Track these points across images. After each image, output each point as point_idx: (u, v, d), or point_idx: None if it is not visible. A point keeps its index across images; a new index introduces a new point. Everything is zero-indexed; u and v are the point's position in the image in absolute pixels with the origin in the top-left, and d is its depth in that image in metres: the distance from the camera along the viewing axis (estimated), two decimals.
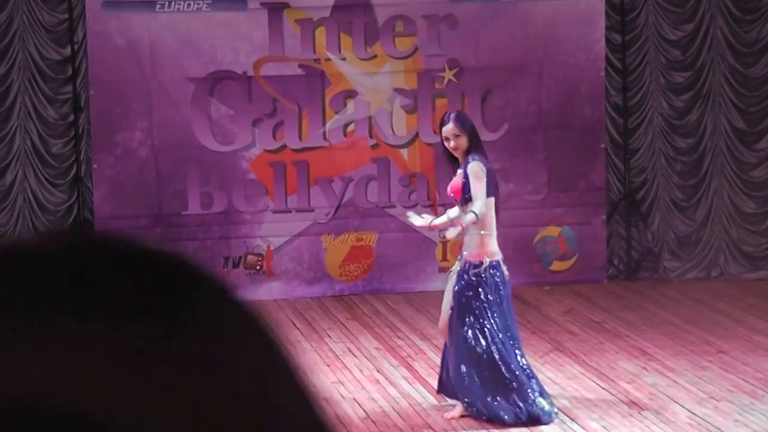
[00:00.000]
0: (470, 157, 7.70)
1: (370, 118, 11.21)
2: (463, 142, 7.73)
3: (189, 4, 10.86)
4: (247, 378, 0.66)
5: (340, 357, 9.41)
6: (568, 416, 7.96)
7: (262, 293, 11.16)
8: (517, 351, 7.81)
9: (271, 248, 11.18)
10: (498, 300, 7.74)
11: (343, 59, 11.12)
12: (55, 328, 0.64)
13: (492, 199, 7.75)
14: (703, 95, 11.55)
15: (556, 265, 11.47)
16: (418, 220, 8.02)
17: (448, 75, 11.23)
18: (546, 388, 8.51)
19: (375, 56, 11.16)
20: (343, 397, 8.49)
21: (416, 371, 9.02)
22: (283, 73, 11.04)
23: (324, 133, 11.17)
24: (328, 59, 11.10)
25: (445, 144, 7.82)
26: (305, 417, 0.68)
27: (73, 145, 10.89)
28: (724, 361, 9.04)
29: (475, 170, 7.65)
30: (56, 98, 10.86)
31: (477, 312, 7.73)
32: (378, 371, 9.03)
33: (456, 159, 7.82)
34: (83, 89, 10.86)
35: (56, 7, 10.78)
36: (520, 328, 9.97)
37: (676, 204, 11.63)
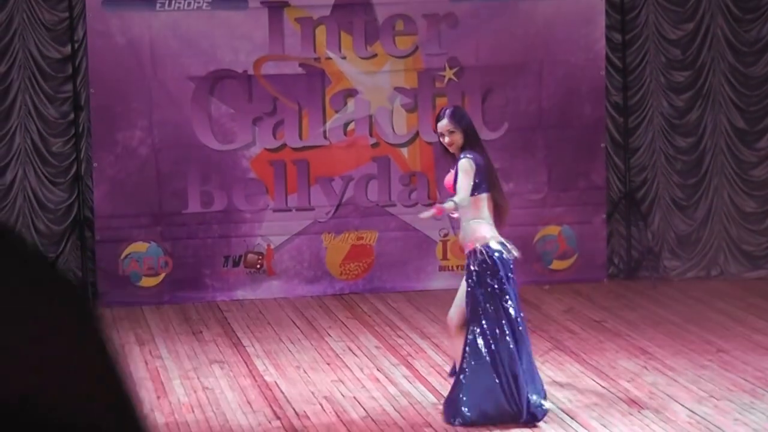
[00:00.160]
0: (463, 154, 7.73)
1: (370, 116, 11.21)
2: (458, 138, 7.74)
3: (189, 3, 10.87)
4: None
5: (341, 356, 9.41)
6: (567, 415, 7.96)
7: (262, 292, 11.16)
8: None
9: (272, 247, 11.18)
10: (500, 284, 7.69)
11: (344, 58, 11.12)
12: None
13: (485, 195, 7.73)
14: (704, 94, 11.56)
15: (556, 264, 11.47)
16: (427, 213, 8.03)
17: (449, 74, 11.23)
18: (545, 386, 8.53)
19: (375, 55, 11.16)
20: (343, 395, 8.49)
21: (416, 370, 9.02)
22: (283, 71, 11.04)
23: (324, 131, 11.17)
24: (329, 58, 11.11)
25: (441, 140, 7.85)
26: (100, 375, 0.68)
27: (74, 144, 10.89)
28: (724, 360, 9.04)
29: (464, 166, 7.68)
30: (56, 97, 10.86)
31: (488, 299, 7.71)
32: (378, 370, 9.04)
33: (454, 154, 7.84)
34: (83, 88, 10.86)
35: (56, 5, 10.78)
36: None
37: (676, 203, 11.63)
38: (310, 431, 7.83)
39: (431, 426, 7.84)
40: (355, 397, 8.43)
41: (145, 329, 10.26)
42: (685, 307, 10.59)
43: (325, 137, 11.17)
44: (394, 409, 8.20)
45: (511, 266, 7.78)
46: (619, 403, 8.19)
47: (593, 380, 8.67)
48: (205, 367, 9.19)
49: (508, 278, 7.75)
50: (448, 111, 7.87)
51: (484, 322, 7.68)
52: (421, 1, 11.13)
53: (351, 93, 11.16)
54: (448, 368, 8.42)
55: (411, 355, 9.38)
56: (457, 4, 11.13)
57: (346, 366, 9.15)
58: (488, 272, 7.71)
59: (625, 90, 11.50)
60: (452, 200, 7.69)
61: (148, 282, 11.03)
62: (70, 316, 0.73)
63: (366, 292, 11.19)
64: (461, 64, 11.21)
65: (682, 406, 8.09)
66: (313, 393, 8.55)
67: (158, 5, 10.82)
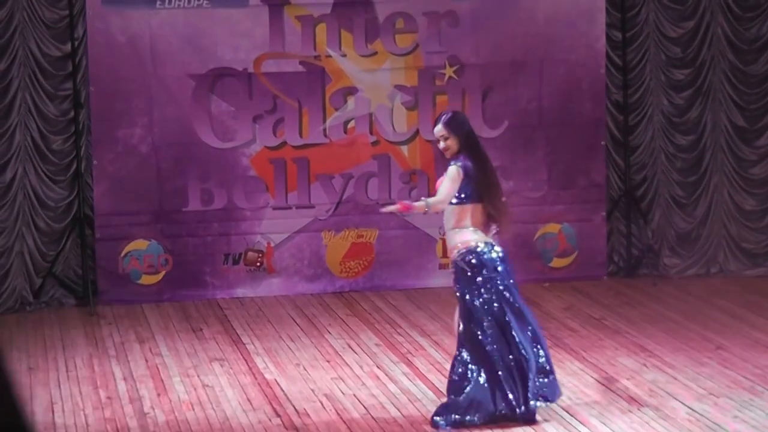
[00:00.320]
0: (453, 161, 7.70)
1: (370, 114, 11.22)
2: (452, 144, 7.72)
3: (190, 1, 10.88)
4: None
5: (341, 353, 9.42)
6: (567, 412, 7.97)
7: (262, 290, 11.17)
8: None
9: (272, 245, 11.19)
10: (489, 283, 7.67)
11: (344, 56, 11.13)
12: None
13: (470, 205, 7.66)
14: (704, 92, 11.56)
15: (556, 262, 11.48)
16: (390, 207, 8.03)
17: (449, 72, 11.24)
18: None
19: (375, 53, 11.17)
20: (343, 393, 8.50)
21: (416, 367, 9.03)
22: (283, 69, 11.05)
23: (324, 129, 11.18)
24: (329, 56, 11.11)
25: (438, 144, 7.85)
26: None
27: (74, 142, 10.90)
28: (724, 358, 9.05)
29: (451, 173, 7.68)
30: (56, 94, 10.87)
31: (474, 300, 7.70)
32: (378, 367, 9.05)
33: None
34: (83, 85, 10.87)
35: (56, 3, 10.79)
36: None
37: (676, 201, 11.64)
38: (310, 429, 7.84)
39: (431, 423, 7.84)
40: (355, 395, 8.44)
41: (145, 327, 10.27)
42: (684, 304, 10.60)
43: (326, 135, 11.18)
44: (394, 406, 8.21)
45: (497, 265, 7.70)
46: (619, 400, 8.20)
47: (593, 378, 8.68)
48: (205, 365, 9.20)
49: (497, 275, 7.69)
50: (444, 117, 7.79)
51: (477, 323, 7.66)
52: None
53: (351, 91, 11.17)
54: (448, 366, 8.42)
55: (411, 353, 9.39)
56: (457, 2, 11.14)
57: (346, 364, 9.16)
58: (474, 273, 7.68)
59: (625, 88, 11.50)
60: (425, 200, 7.74)
61: (148, 280, 11.04)
62: None
63: (366, 290, 11.20)
64: (461, 62, 11.22)
65: (682, 403, 8.10)
66: (313, 391, 8.56)
67: (158, 3, 10.83)
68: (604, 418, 7.86)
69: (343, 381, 8.76)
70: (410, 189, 11.25)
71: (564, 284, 11.28)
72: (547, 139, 11.37)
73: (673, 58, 11.53)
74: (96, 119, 10.87)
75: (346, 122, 11.20)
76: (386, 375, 8.84)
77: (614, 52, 11.48)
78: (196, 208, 11.06)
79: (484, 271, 7.67)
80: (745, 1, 11.48)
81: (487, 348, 7.63)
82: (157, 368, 9.14)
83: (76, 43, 10.81)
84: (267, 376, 8.92)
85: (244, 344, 9.72)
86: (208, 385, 8.73)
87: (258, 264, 11.18)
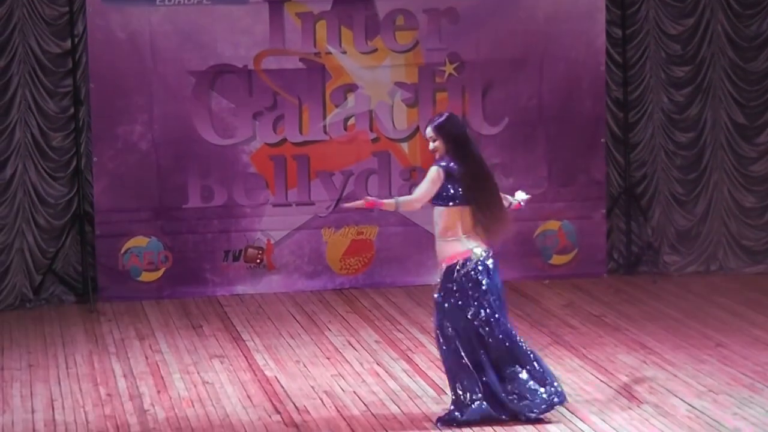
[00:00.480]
0: (437, 162, 7.69)
1: (370, 111, 11.22)
2: (440, 146, 7.70)
3: None
4: None
5: (341, 350, 9.43)
6: (567, 409, 7.97)
7: (262, 287, 11.18)
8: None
9: (272, 241, 11.20)
10: (466, 297, 7.66)
11: (344, 53, 11.13)
12: None
13: (456, 208, 7.63)
14: (704, 90, 11.57)
15: (556, 259, 11.49)
16: (355, 203, 8.01)
17: (449, 69, 11.24)
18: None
19: (376, 50, 11.17)
20: (343, 390, 8.51)
21: (416, 364, 9.03)
22: (283, 66, 11.05)
23: (324, 126, 11.18)
24: (329, 53, 11.11)
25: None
26: None
27: (74, 138, 10.90)
28: (723, 355, 9.06)
29: (431, 174, 7.66)
30: (56, 91, 10.87)
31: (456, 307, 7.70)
32: (378, 364, 9.05)
33: None
34: (83, 82, 10.87)
35: (56, 0, 10.78)
36: (520, 322, 10.01)
37: (676, 198, 11.64)
38: (310, 426, 7.84)
39: (431, 420, 7.85)
40: (355, 392, 8.45)
41: (145, 324, 10.27)
42: (684, 302, 10.61)
43: (326, 132, 11.18)
44: (394, 403, 8.21)
45: (480, 277, 7.65)
46: (619, 397, 8.20)
47: (593, 375, 8.68)
48: (205, 362, 9.21)
49: (485, 287, 7.68)
50: (436, 120, 7.75)
51: (455, 330, 7.67)
52: None
53: (351, 88, 11.18)
54: None
55: (411, 350, 9.40)
56: None
57: (346, 360, 9.16)
58: (465, 286, 7.66)
59: (625, 85, 11.50)
60: (396, 199, 7.75)
61: (148, 277, 11.04)
62: None
63: (366, 287, 11.20)
64: (462, 59, 11.22)
65: (682, 400, 8.11)
66: (313, 387, 8.57)
67: (158, 0, 10.82)
68: (604, 415, 7.87)
69: (343, 378, 8.76)
70: (410, 186, 11.24)
71: (564, 281, 11.28)
72: (547, 136, 11.37)
73: (673, 55, 11.53)
74: (96, 116, 10.87)
75: (347, 119, 11.20)
76: (386, 372, 8.85)
77: (614, 49, 11.48)
78: (196, 205, 11.06)
79: (477, 286, 7.65)
80: None
81: (464, 360, 7.64)
82: (157, 365, 9.15)
83: (76, 39, 10.81)
84: (267, 373, 8.92)
85: (244, 341, 9.73)
86: (208, 382, 8.73)
87: (258, 261, 11.18)
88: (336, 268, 11.28)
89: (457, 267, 7.64)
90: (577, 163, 11.41)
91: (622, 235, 11.61)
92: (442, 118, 7.76)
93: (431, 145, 7.74)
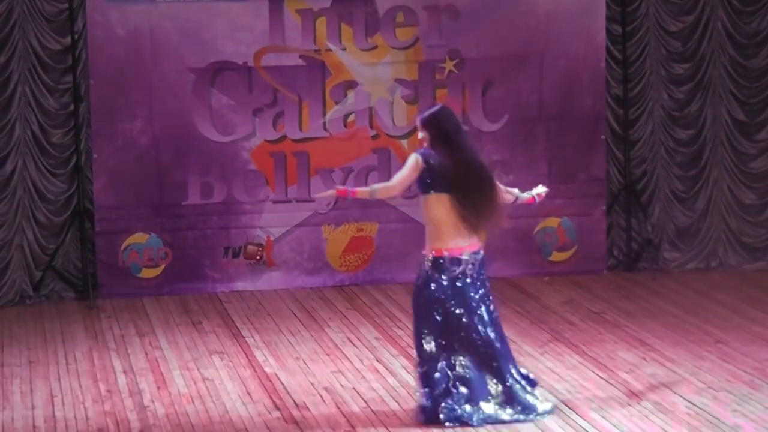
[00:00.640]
0: (418, 150, 7.74)
1: (370, 108, 11.22)
2: (426, 137, 7.75)
3: None
4: None
5: (340, 347, 9.43)
6: (567, 406, 7.97)
7: (262, 283, 11.18)
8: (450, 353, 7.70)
9: (272, 238, 11.20)
10: (440, 295, 7.67)
11: (344, 50, 11.13)
12: None
13: (434, 196, 7.67)
14: (704, 86, 11.57)
15: (556, 256, 11.49)
16: (325, 193, 8.04)
17: (449, 65, 11.24)
18: (545, 377, 8.54)
19: (376, 47, 11.17)
20: (342, 386, 8.51)
21: None
22: (283, 63, 11.05)
23: (324, 123, 11.18)
24: (329, 50, 11.11)
25: None
26: None
27: (73, 135, 10.90)
28: (723, 352, 9.06)
29: (408, 161, 7.71)
30: (56, 88, 10.86)
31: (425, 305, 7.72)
32: (378, 361, 9.05)
33: None
34: (83, 79, 10.87)
35: None
36: (520, 319, 10.02)
37: (676, 195, 11.64)
38: (309, 422, 7.84)
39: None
40: (354, 388, 8.45)
41: (145, 320, 10.27)
42: (684, 298, 10.61)
43: (325, 129, 11.18)
44: (394, 400, 8.21)
45: (455, 273, 7.68)
46: (619, 394, 8.20)
47: (592, 371, 8.68)
48: (204, 358, 9.21)
49: (457, 282, 7.69)
50: (426, 112, 7.81)
51: (428, 323, 7.68)
52: None
53: (351, 85, 11.17)
54: None
55: (411, 346, 9.37)
56: None
57: (346, 357, 9.16)
58: (434, 277, 7.70)
59: (625, 82, 11.50)
60: (372, 187, 7.83)
61: (148, 273, 11.04)
62: None
63: (366, 284, 11.21)
64: (462, 55, 11.22)
65: (681, 397, 8.11)
66: (312, 384, 8.57)
67: None
68: (604, 412, 7.87)
69: (342, 374, 8.76)
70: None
71: (564, 278, 11.28)
72: (547, 133, 11.37)
73: (674, 52, 11.53)
74: (96, 113, 10.87)
75: (346, 116, 11.20)
76: (386, 368, 8.85)
77: (614, 46, 11.48)
78: (196, 201, 11.06)
79: (448, 280, 7.67)
80: None
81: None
82: (157, 361, 9.15)
83: (76, 36, 10.80)
84: (267, 369, 8.92)
85: (243, 338, 9.73)
86: (207, 379, 8.74)
87: (258, 257, 11.18)
88: (336, 265, 11.29)
89: (425, 261, 7.73)
90: (577, 160, 11.41)
91: (622, 232, 11.61)
92: (431, 110, 7.83)
93: (419, 135, 7.80)
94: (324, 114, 11.16)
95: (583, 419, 7.76)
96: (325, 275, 11.26)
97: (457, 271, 7.73)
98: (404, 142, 11.27)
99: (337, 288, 11.17)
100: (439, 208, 7.70)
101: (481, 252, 7.83)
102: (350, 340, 9.59)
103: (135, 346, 9.57)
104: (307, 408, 8.10)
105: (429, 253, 7.76)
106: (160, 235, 11.03)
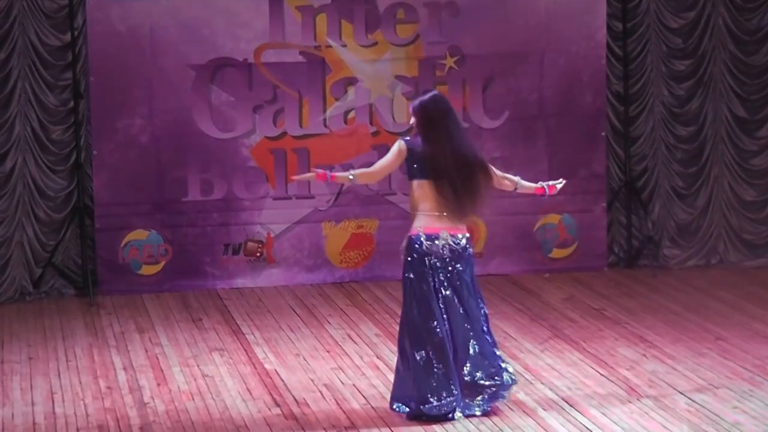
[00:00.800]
0: (403, 137, 7.83)
1: (370, 105, 11.22)
2: (414, 123, 7.79)
3: None
4: None
5: (340, 343, 9.43)
6: (567, 403, 7.97)
7: (262, 280, 11.17)
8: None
9: (272, 235, 11.19)
10: (422, 275, 7.67)
11: (344, 46, 11.12)
12: None
13: (416, 182, 7.71)
14: (704, 83, 11.56)
15: (556, 253, 11.48)
16: (304, 175, 8.06)
17: (450, 62, 11.23)
18: (545, 374, 8.55)
19: (376, 43, 11.17)
20: (342, 383, 8.51)
21: None
22: (283, 60, 11.04)
23: (324, 120, 11.17)
24: (329, 46, 11.11)
25: None
26: None
27: (73, 132, 10.89)
28: (723, 349, 9.05)
29: (393, 147, 7.80)
30: (56, 84, 10.86)
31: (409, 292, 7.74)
32: (378, 358, 9.05)
33: None
34: (83, 75, 10.86)
35: None
36: (521, 316, 10.02)
37: (677, 192, 11.64)
38: (309, 419, 7.84)
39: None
40: (354, 385, 8.44)
41: (145, 317, 10.27)
42: (684, 295, 10.60)
43: (326, 125, 11.18)
44: None
45: (433, 260, 7.67)
46: (619, 391, 8.20)
47: (593, 368, 8.68)
48: (204, 355, 9.21)
49: (437, 269, 7.67)
50: (417, 99, 7.85)
51: (409, 310, 7.68)
52: None
53: (351, 81, 11.17)
54: None
55: None
56: None
57: (346, 354, 9.16)
58: (414, 262, 7.69)
59: (626, 79, 11.49)
60: (352, 172, 7.84)
61: (148, 270, 11.04)
62: None
63: (366, 281, 11.20)
64: (462, 52, 11.21)
65: (681, 394, 8.11)
66: (312, 381, 8.56)
67: None
68: (604, 409, 7.86)
69: (342, 371, 8.76)
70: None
71: (564, 275, 11.28)
72: (547, 129, 11.36)
73: (674, 48, 11.52)
74: (96, 109, 10.87)
75: (347, 112, 11.20)
76: (386, 365, 8.84)
77: (615, 43, 11.47)
78: (195, 198, 11.06)
79: (425, 259, 7.67)
80: None
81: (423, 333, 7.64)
82: (157, 358, 9.14)
83: (76, 32, 10.80)
84: (267, 366, 8.92)
85: (243, 334, 9.72)
86: (207, 375, 8.73)
87: (258, 254, 11.18)
88: (336, 262, 11.28)
89: (404, 243, 7.75)
90: (578, 157, 11.40)
91: (622, 229, 11.61)
92: (421, 98, 7.86)
93: (411, 121, 7.82)
94: (324, 111, 11.16)
95: (584, 416, 7.76)
96: (325, 272, 11.26)
97: (431, 247, 7.68)
98: None
99: (337, 285, 11.16)
100: (421, 194, 7.72)
101: (464, 241, 7.76)
102: (350, 337, 9.58)
103: (135, 342, 9.57)
104: (307, 405, 8.09)
105: (405, 239, 7.77)
106: (160, 231, 11.03)
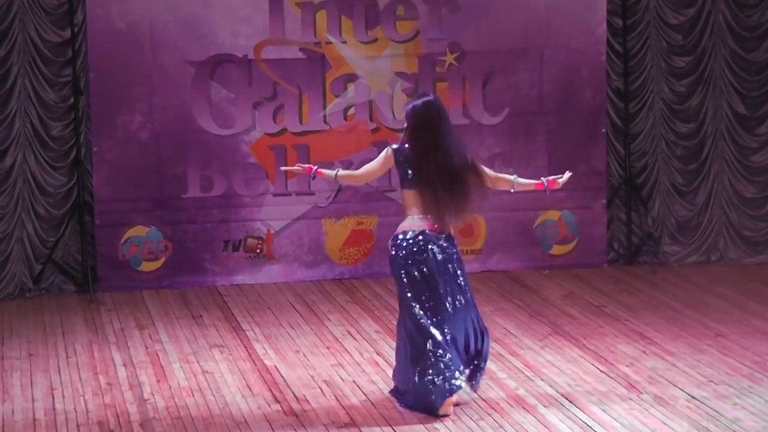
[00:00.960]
0: (395, 144, 7.87)
1: (370, 101, 11.22)
2: (406, 126, 7.86)
3: None
4: None
5: (340, 340, 9.43)
6: (567, 399, 7.98)
7: (262, 276, 11.18)
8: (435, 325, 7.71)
9: (271, 231, 11.19)
10: (412, 270, 7.69)
11: (344, 43, 11.12)
12: None
13: (405, 191, 7.77)
14: (705, 80, 11.55)
15: (556, 249, 11.48)
16: (292, 167, 8.10)
17: (449, 59, 11.23)
18: (545, 371, 8.55)
19: (376, 40, 11.16)
20: (342, 379, 8.51)
21: None
22: (283, 56, 11.04)
23: (324, 116, 11.17)
24: (329, 43, 11.10)
25: None
26: None
27: (73, 128, 10.89)
28: (723, 345, 9.06)
29: (382, 153, 7.87)
30: (56, 81, 10.86)
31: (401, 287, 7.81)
32: (378, 354, 9.05)
33: None
34: (83, 72, 10.86)
35: None
36: (520, 312, 10.02)
37: (677, 188, 11.64)
38: (309, 415, 7.84)
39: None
40: (354, 381, 8.45)
41: (145, 314, 10.27)
42: (684, 292, 10.61)
43: (326, 122, 11.18)
44: None
45: (422, 255, 7.71)
46: (619, 387, 8.20)
47: (592, 365, 8.68)
48: (204, 351, 9.21)
49: (425, 266, 7.70)
50: (411, 102, 7.92)
51: (402, 307, 7.75)
52: None
53: (351, 78, 11.17)
54: None
55: None
56: None
57: (346, 350, 9.16)
58: (402, 261, 7.74)
59: (626, 75, 11.49)
60: (337, 170, 7.92)
61: (147, 266, 11.04)
62: None
63: (366, 277, 11.21)
64: (462, 48, 11.21)
65: (681, 390, 8.11)
66: (312, 377, 8.57)
67: None
68: (604, 405, 7.87)
69: (342, 367, 8.76)
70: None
71: (564, 271, 11.28)
72: (547, 126, 11.36)
73: (674, 45, 11.52)
74: (96, 106, 10.87)
75: (347, 109, 11.20)
76: (386, 361, 8.85)
77: (615, 39, 11.47)
78: (195, 194, 11.06)
79: (409, 253, 7.71)
80: None
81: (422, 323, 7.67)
82: (157, 354, 9.15)
83: (76, 29, 10.79)
84: (267, 362, 8.92)
85: (243, 331, 9.73)
86: (207, 372, 8.74)
87: (258, 251, 11.18)
88: (336, 258, 11.28)
89: (390, 241, 7.83)
90: (578, 154, 11.40)
91: (622, 226, 11.61)
92: (414, 102, 7.90)
93: (405, 124, 7.90)
94: (324, 107, 11.16)
95: (583, 412, 7.76)
96: (325, 268, 11.26)
97: (416, 240, 7.68)
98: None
99: (337, 281, 11.16)
100: (409, 202, 7.82)
101: (445, 243, 7.78)
102: (350, 333, 9.59)
103: (135, 339, 9.57)
104: (307, 401, 8.10)
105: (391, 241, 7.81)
106: (159, 228, 11.03)
